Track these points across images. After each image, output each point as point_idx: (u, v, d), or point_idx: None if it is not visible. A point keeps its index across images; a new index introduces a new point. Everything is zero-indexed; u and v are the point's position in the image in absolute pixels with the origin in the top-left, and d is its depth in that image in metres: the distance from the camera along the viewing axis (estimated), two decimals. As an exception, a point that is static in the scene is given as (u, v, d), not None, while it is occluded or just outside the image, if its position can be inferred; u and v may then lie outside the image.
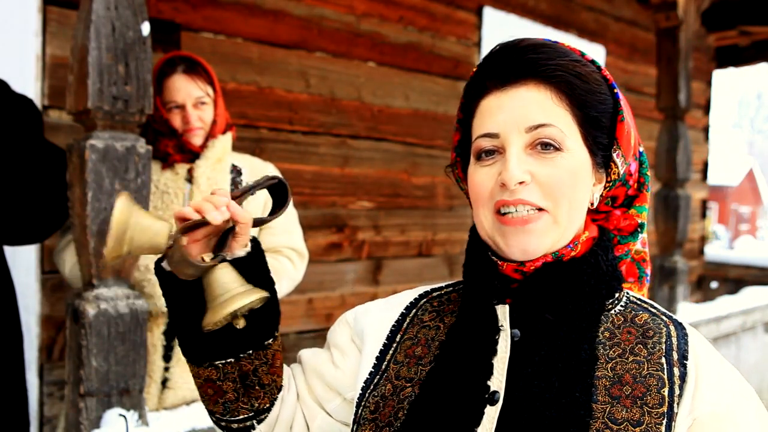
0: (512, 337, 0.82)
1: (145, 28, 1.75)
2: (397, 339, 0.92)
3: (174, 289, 0.89)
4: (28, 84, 2.47)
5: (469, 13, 4.24)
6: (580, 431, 0.74)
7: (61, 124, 2.51)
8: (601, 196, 0.88)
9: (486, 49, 4.27)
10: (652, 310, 0.87)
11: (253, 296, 0.84)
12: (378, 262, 3.90)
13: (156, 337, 1.97)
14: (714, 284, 7.07)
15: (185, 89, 1.99)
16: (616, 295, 0.86)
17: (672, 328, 0.83)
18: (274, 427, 0.96)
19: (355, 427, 0.87)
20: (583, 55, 0.86)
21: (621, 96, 0.86)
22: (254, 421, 0.94)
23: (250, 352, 0.91)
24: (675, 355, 0.80)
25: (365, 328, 0.94)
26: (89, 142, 1.67)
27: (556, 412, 0.76)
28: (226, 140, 2.06)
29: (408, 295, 0.98)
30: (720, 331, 3.91)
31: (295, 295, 3.38)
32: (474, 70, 0.89)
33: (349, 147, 3.71)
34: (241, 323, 0.86)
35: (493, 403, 0.79)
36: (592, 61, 0.86)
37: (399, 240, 4.00)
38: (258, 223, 0.91)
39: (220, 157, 2.05)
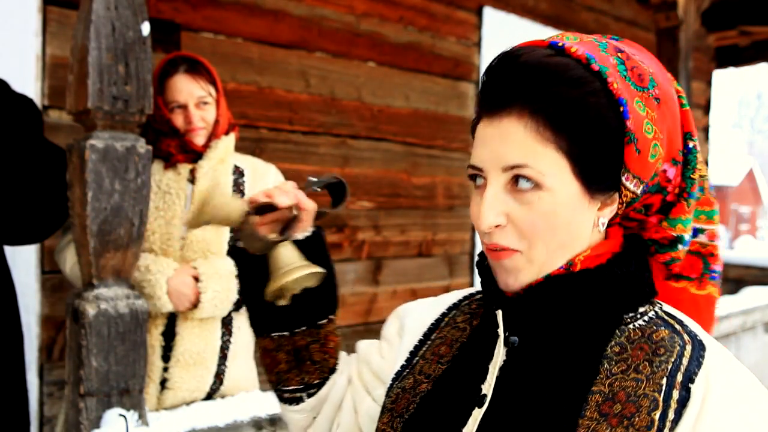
0: (511, 344, 0.81)
1: (145, 28, 1.75)
2: (432, 337, 0.94)
3: (244, 263, 1.02)
4: (28, 84, 2.47)
5: (469, 13, 4.24)
6: None
7: (61, 124, 2.51)
8: (620, 215, 0.82)
9: (486, 49, 4.28)
10: (677, 327, 0.78)
11: (310, 270, 0.95)
12: (378, 262, 3.90)
13: (155, 338, 1.97)
14: (714, 284, 7.06)
15: (187, 89, 1.99)
16: (641, 309, 0.80)
17: (689, 348, 0.75)
18: (323, 404, 1.04)
19: (380, 412, 0.92)
20: (589, 62, 0.75)
21: (629, 114, 0.75)
22: (304, 394, 1.03)
23: (304, 328, 1.01)
24: (679, 377, 0.72)
25: (407, 324, 0.99)
26: (89, 142, 1.67)
27: (538, 421, 0.75)
28: (229, 141, 2.07)
29: (455, 295, 0.99)
30: (720, 331, 3.91)
31: (295, 295, 3.37)
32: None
33: (349, 147, 3.71)
34: (284, 301, 0.98)
35: (481, 405, 0.79)
36: (598, 73, 0.75)
37: (399, 240, 4.00)
38: (319, 215, 1.04)
39: (223, 158, 2.05)
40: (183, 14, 2.99)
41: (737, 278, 7.08)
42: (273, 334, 1.02)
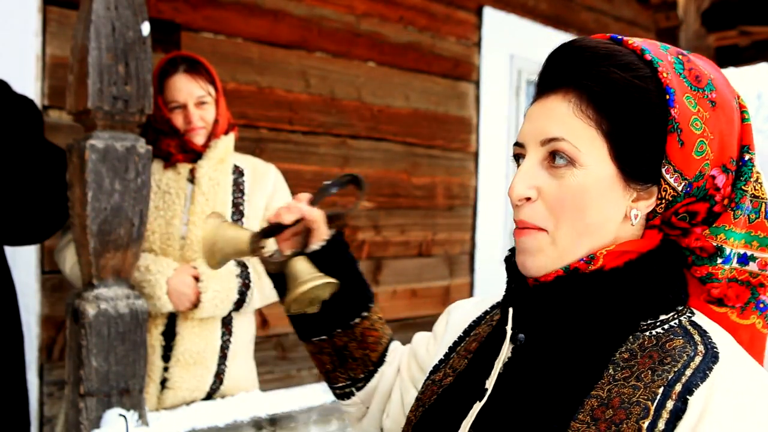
0: (518, 341, 0.82)
1: (145, 28, 1.75)
2: (471, 334, 0.96)
3: (273, 281, 1.09)
4: (28, 84, 2.47)
5: (469, 13, 4.24)
6: None
7: (61, 124, 2.51)
8: (658, 213, 0.79)
9: (486, 49, 4.28)
10: (696, 337, 0.74)
11: (315, 283, 0.98)
12: (378, 262, 3.90)
13: (155, 338, 1.97)
14: (714, 284, 7.07)
15: (187, 89, 1.99)
16: (662, 316, 0.76)
17: (698, 359, 0.71)
18: (373, 396, 1.11)
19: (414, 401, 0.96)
20: (643, 53, 0.76)
21: (675, 104, 0.74)
22: (353, 389, 1.11)
23: (339, 330, 1.07)
24: (678, 387, 0.69)
25: (451, 320, 1.03)
26: (89, 142, 1.67)
27: (531, 419, 0.75)
28: (228, 141, 2.07)
29: (499, 295, 0.99)
30: (720, 331, 3.90)
31: (295, 295, 3.37)
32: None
33: (349, 147, 3.71)
34: (313, 309, 1.03)
35: (482, 399, 0.81)
36: (650, 63, 0.75)
37: (399, 240, 4.00)
38: (335, 218, 1.08)
39: (223, 158, 2.05)
40: (183, 14, 2.99)
41: (737, 278, 7.07)
42: (313, 339, 1.09)
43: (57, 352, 2.62)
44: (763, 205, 0.82)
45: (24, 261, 2.48)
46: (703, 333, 0.75)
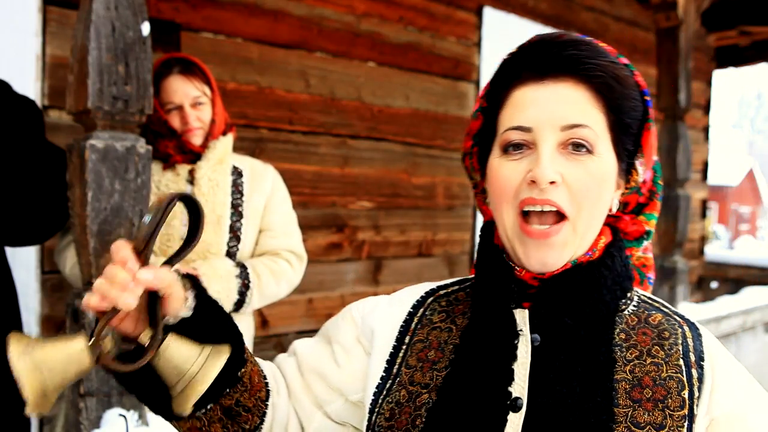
0: (532, 342, 0.80)
1: (145, 28, 1.75)
2: (407, 341, 0.88)
3: (125, 380, 0.80)
4: (28, 84, 2.47)
5: (469, 13, 4.24)
6: None
7: (61, 124, 2.51)
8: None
9: (486, 49, 4.28)
10: (665, 309, 0.86)
11: (221, 361, 0.76)
12: (378, 262, 3.90)
13: (156, 337, 1.97)
14: (714, 284, 7.07)
15: (182, 90, 1.99)
16: (629, 294, 0.85)
17: (686, 328, 0.83)
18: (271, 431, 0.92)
19: None
20: (618, 57, 0.83)
21: (651, 103, 0.84)
22: None
23: (227, 390, 0.84)
24: (692, 357, 0.80)
25: (375, 329, 0.90)
26: (89, 142, 1.67)
27: (579, 418, 0.75)
28: (227, 141, 2.06)
29: (412, 293, 0.94)
30: (720, 331, 3.91)
31: (295, 295, 3.37)
32: (505, 57, 0.85)
33: (349, 147, 3.71)
34: (201, 389, 0.76)
35: (516, 409, 0.77)
36: (627, 65, 0.83)
37: (399, 240, 4.00)
38: (174, 259, 0.79)
39: (221, 158, 2.04)
40: (183, 14, 2.99)
41: (737, 278, 7.08)
42: (198, 414, 0.84)
43: (57, 352, 2.62)
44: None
45: (24, 261, 2.48)
46: (663, 305, 0.87)
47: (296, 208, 2.21)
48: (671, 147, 3.87)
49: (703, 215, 6.90)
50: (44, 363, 0.67)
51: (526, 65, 0.81)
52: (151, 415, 1.81)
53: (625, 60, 0.83)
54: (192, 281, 0.81)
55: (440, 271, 4.20)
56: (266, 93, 3.33)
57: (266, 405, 0.89)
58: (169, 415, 0.83)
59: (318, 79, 3.53)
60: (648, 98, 0.83)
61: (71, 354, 0.69)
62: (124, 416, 1.67)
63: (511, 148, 0.80)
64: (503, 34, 4.35)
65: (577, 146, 0.78)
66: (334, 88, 3.60)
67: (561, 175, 0.77)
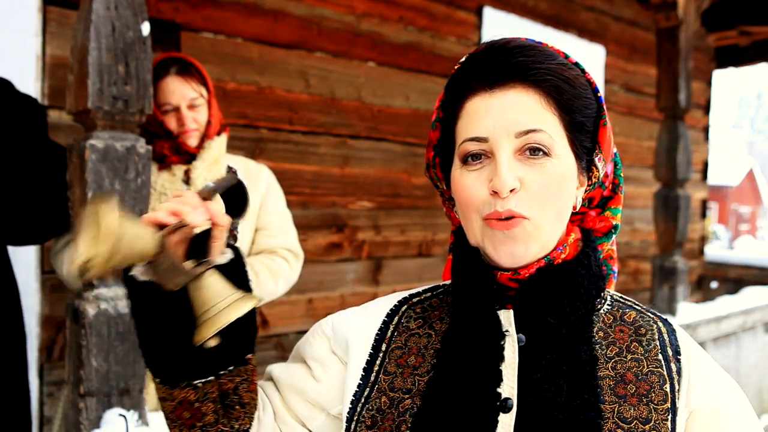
0: (518, 342, 0.81)
1: (145, 28, 1.75)
2: (383, 348, 0.87)
3: (150, 302, 0.80)
4: (28, 84, 2.47)
5: (469, 13, 4.25)
6: None
7: (61, 124, 2.51)
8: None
9: (486, 49, 4.28)
10: (638, 307, 0.89)
11: (250, 303, 0.79)
12: (378, 262, 3.90)
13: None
14: (714, 284, 7.08)
15: (179, 91, 1.98)
16: (603, 294, 0.87)
17: (660, 324, 0.86)
18: None
19: None
20: (567, 57, 0.84)
21: (603, 99, 0.86)
22: None
23: (231, 368, 0.83)
24: (669, 351, 0.83)
25: (349, 338, 0.89)
26: (89, 142, 1.67)
27: (569, 416, 0.76)
28: (221, 141, 2.06)
29: (385, 302, 0.93)
30: (720, 331, 3.91)
31: (295, 295, 3.38)
32: (456, 67, 0.87)
33: (349, 147, 3.71)
34: (213, 342, 0.79)
35: (506, 410, 0.77)
36: (576, 64, 0.85)
37: (399, 240, 4.00)
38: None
39: (216, 158, 2.05)
40: (183, 14, 2.99)
41: (737, 278, 7.09)
42: (196, 382, 0.82)
43: (57, 352, 2.62)
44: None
45: (24, 261, 2.48)
46: (634, 302, 0.90)
47: (296, 208, 2.21)
48: (671, 147, 3.87)
49: (703, 215, 6.90)
50: (121, 228, 0.72)
51: (476, 75, 0.82)
52: (151, 415, 1.81)
53: (574, 59, 0.85)
54: (229, 245, 0.87)
55: (440, 271, 4.20)
56: (266, 93, 3.33)
57: (255, 417, 0.87)
58: (167, 376, 0.83)
59: (318, 79, 3.53)
60: (600, 95, 0.85)
61: (143, 235, 0.75)
62: (124, 416, 1.67)
63: (470, 159, 0.81)
64: (503, 34, 4.35)
65: (534, 151, 0.79)
66: (334, 88, 3.60)
67: (520, 180, 0.78)
